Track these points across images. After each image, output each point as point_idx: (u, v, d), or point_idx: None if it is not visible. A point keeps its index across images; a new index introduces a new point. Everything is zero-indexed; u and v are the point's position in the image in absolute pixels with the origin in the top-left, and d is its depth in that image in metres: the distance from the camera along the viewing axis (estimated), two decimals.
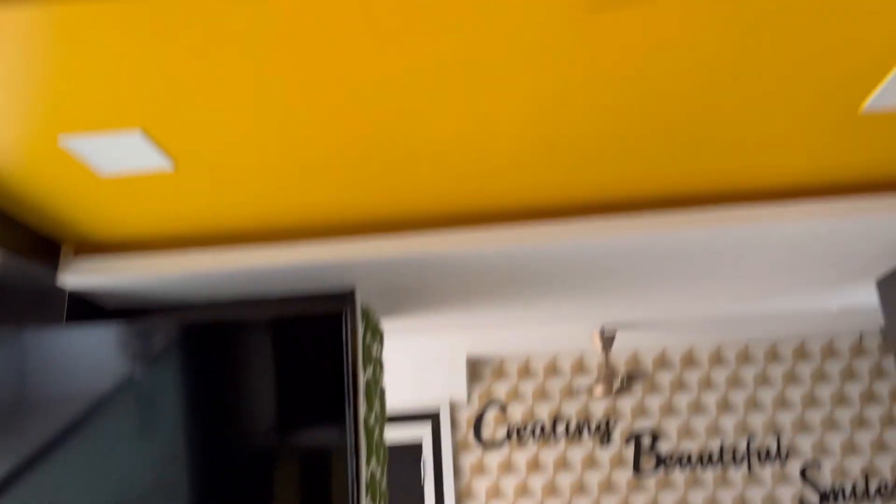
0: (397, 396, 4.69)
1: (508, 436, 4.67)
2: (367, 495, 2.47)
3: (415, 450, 4.67)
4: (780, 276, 2.89)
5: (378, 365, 2.91)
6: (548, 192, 2.26)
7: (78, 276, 2.38)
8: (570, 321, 3.87)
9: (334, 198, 2.20)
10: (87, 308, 2.56)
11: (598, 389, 3.89)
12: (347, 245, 2.41)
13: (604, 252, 2.50)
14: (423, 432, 4.68)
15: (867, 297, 3.27)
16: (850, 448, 4.47)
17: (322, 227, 2.41)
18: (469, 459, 4.66)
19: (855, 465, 4.43)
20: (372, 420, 2.68)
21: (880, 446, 4.45)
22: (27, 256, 2.25)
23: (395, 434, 4.68)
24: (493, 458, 4.65)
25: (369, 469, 2.54)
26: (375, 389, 2.82)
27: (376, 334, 2.95)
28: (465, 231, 2.41)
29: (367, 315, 2.80)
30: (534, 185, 2.21)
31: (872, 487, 4.38)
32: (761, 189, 2.32)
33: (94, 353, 2.33)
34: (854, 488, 4.39)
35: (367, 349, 2.73)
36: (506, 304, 3.15)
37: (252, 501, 2.28)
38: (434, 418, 4.70)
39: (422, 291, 2.88)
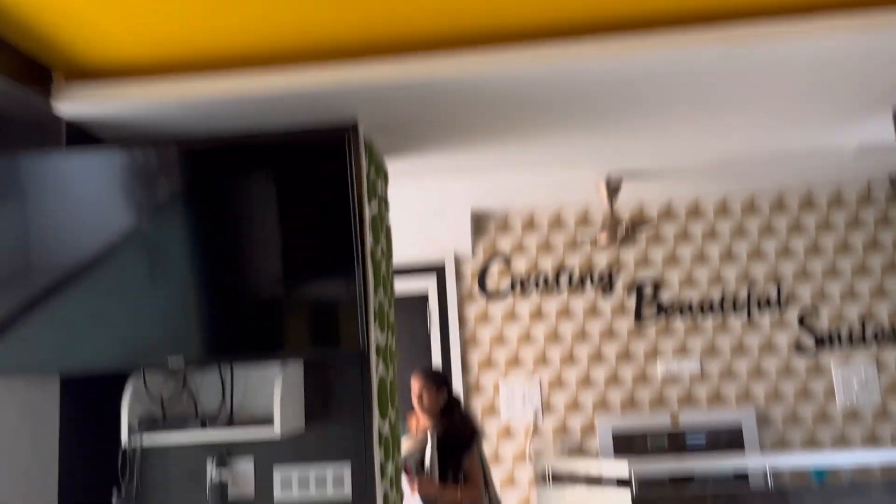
0: (403, 251, 4.71)
1: (512, 287, 4.74)
2: (375, 322, 2.51)
3: (421, 300, 4.75)
4: (795, 104, 2.81)
5: (383, 203, 2.89)
6: (557, 7, 2.15)
7: (72, 104, 2.31)
8: (574, 167, 3.82)
9: (334, 18, 2.10)
10: (85, 140, 2.50)
11: (603, 237, 3.91)
12: (348, 69, 2.33)
13: (612, 75, 2.41)
14: (428, 284, 4.74)
15: (882, 133, 3.19)
16: (849, 295, 4.53)
17: (322, 51, 2.31)
18: (474, 309, 4.75)
19: (853, 312, 4.51)
20: (378, 253, 2.69)
21: (879, 293, 4.52)
22: (19, 81, 2.18)
23: (401, 286, 4.75)
24: (497, 308, 4.73)
25: (377, 298, 2.57)
26: (381, 226, 2.81)
27: (380, 171, 2.91)
28: (468, 53, 2.32)
29: (370, 149, 2.75)
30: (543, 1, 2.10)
31: (869, 332, 4.47)
32: (781, 2, 2.21)
33: (94, 183, 2.30)
34: (850, 333, 4.49)
35: (371, 184, 2.70)
36: (509, 143, 3.09)
37: (263, 330, 2.31)
38: (439, 271, 4.75)
39: (424, 127, 2.82)
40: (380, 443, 2.42)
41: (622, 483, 3.58)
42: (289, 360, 2.44)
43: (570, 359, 4.64)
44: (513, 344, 4.69)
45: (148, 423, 2.41)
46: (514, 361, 4.67)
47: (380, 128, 2.73)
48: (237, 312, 2.29)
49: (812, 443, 4.42)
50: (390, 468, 2.52)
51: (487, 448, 4.55)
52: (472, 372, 4.68)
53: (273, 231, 2.33)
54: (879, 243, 4.56)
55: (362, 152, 2.60)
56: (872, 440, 4.39)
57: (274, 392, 2.35)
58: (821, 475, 3.37)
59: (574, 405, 4.59)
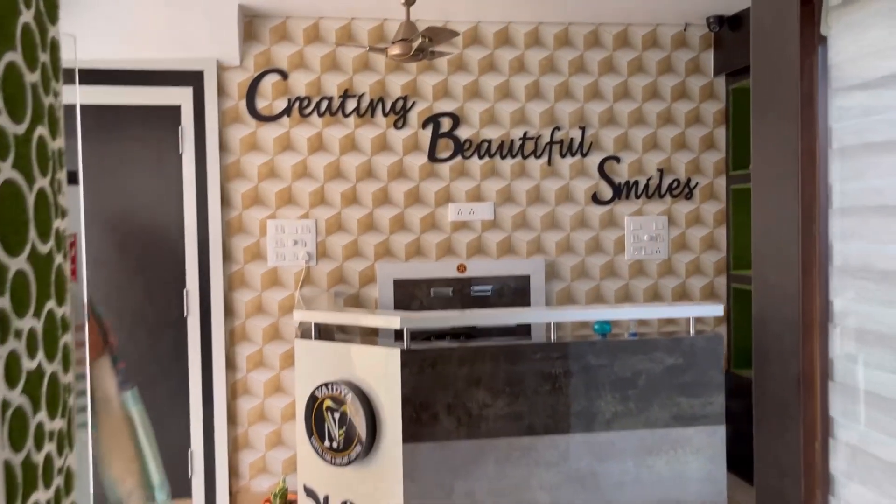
0: (146, 47, 3.73)
1: (289, 109, 3.96)
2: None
3: (171, 113, 3.84)
4: None
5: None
6: None
7: None
8: None
9: None
10: None
11: (395, 49, 3.22)
12: None
13: None
14: (182, 96, 3.82)
15: None
16: (651, 144, 4.27)
17: None
18: (240, 133, 3.93)
19: (653, 162, 4.27)
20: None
21: (681, 144, 4.30)
22: None
23: (145, 96, 3.79)
24: (269, 133, 3.96)
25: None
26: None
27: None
28: None
29: None
30: None
31: (666, 184, 4.27)
32: None
33: None
34: (647, 185, 4.26)
35: None
36: None
37: None
38: (196, 80, 3.83)
39: None
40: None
41: (399, 336, 3.14)
42: None
43: (353, 198, 4.03)
44: (286, 178, 3.98)
45: None
46: (287, 198, 3.98)
47: None
48: None
49: (598, 298, 4.26)
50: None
51: (250, 295, 3.91)
52: (235, 208, 3.93)
53: None
54: (687, 92, 4.29)
55: None
56: (655, 296, 4.30)
57: None
58: (603, 329, 3.13)
59: (354, 251, 4.04)
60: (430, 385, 2.85)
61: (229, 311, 3.94)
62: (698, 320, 3.09)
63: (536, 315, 3.05)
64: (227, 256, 3.93)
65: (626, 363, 2.97)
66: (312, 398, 3.01)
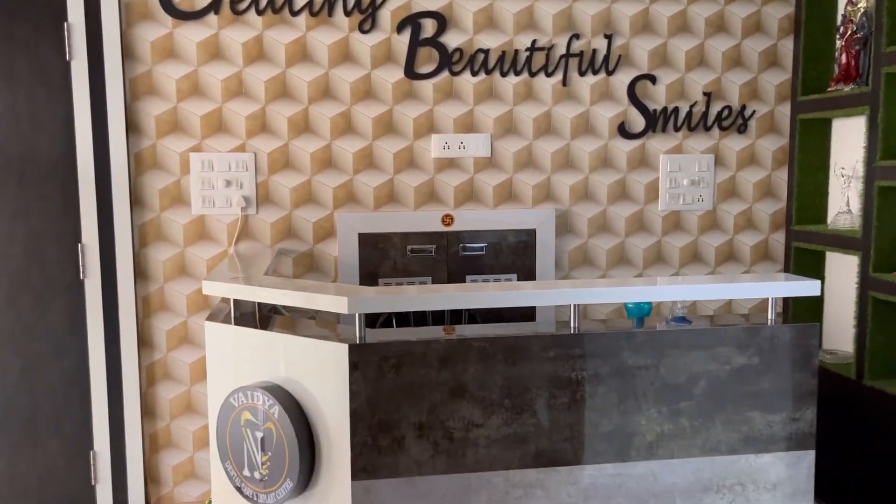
0: None
1: (217, 4, 2.94)
2: None
3: (52, 5, 2.82)
4: None
5: None
6: None
7: None
8: None
9: None
10: None
11: None
12: None
13: None
14: None
15: None
16: (697, 60, 3.28)
17: None
18: (150, 34, 2.92)
19: (698, 84, 3.28)
20: None
21: (735, 60, 3.30)
22: None
23: None
24: (191, 35, 2.95)
25: None
26: None
27: None
28: None
29: None
30: None
31: (713, 113, 3.30)
32: None
33: None
34: (690, 112, 3.28)
35: None
36: None
37: None
38: None
39: None
40: None
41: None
42: None
43: (304, 126, 3.05)
44: (215, 97, 2.99)
45: None
46: (217, 125, 3.00)
47: None
48: None
49: (622, 259, 3.32)
50: None
51: (170, 252, 2.98)
52: (147, 136, 2.96)
53: None
54: None
55: None
56: (695, 257, 3.37)
57: None
58: (640, 311, 2.22)
59: (306, 195, 3.08)
60: (393, 395, 1.94)
61: (141, 272, 3.00)
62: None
63: (559, 295, 2.08)
64: (136, 201, 2.97)
65: (677, 363, 2.05)
66: (227, 407, 2.10)
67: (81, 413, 2.99)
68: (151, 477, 3.08)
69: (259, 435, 2.02)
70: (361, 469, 1.93)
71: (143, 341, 3.03)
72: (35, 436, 2.97)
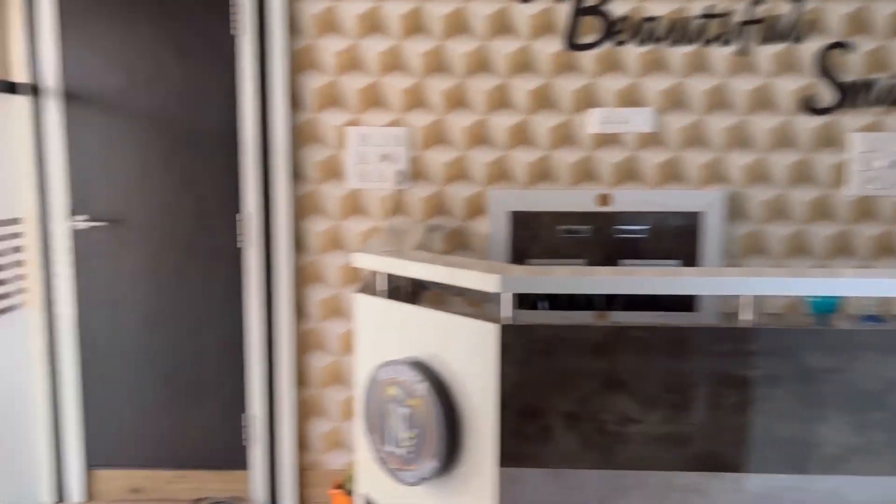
0: None
1: None
2: None
3: None
4: None
5: None
6: None
7: None
8: None
9: None
10: None
11: None
12: None
13: None
14: None
15: None
16: None
17: None
18: (312, 7, 2.96)
19: None
20: None
21: None
22: None
23: None
24: (351, 8, 2.95)
25: None
26: None
27: None
28: None
29: None
30: None
31: None
32: None
33: None
34: (893, 87, 2.89)
35: None
36: None
37: None
38: None
39: None
40: None
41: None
42: None
43: (458, 100, 2.98)
44: (372, 70, 2.98)
45: None
46: (374, 99, 2.99)
47: None
48: None
49: (800, 248, 3.00)
50: None
51: (325, 224, 3.03)
52: (307, 110, 3.00)
53: None
54: None
55: None
56: (884, 249, 2.99)
57: None
58: (826, 306, 1.97)
59: (459, 171, 3.02)
60: (543, 381, 1.83)
61: (298, 244, 3.07)
62: None
63: (736, 284, 1.86)
64: (296, 174, 3.04)
65: (871, 368, 1.79)
66: (373, 380, 2.08)
67: (238, 377, 3.12)
68: (302, 443, 3.17)
69: (404, 411, 1.99)
70: (508, 456, 1.84)
71: (298, 311, 3.10)
72: (197, 396, 3.14)
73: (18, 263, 2.99)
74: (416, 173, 3.03)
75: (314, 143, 3.02)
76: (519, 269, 1.99)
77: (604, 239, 2.98)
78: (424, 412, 1.93)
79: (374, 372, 2.07)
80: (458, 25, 2.93)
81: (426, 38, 2.95)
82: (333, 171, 3.03)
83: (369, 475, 2.21)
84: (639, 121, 2.95)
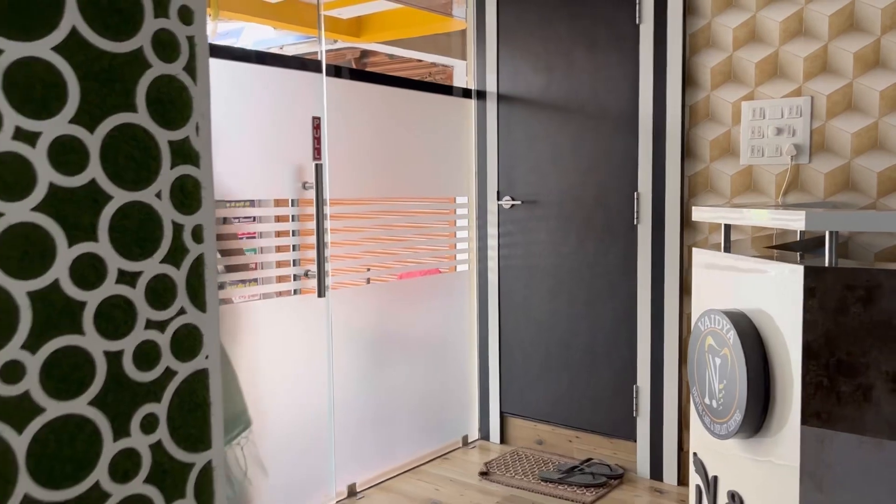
0: None
1: None
2: None
3: None
4: None
5: None
6: None
7: None
8: None
9: None
10: None
11: None
12: None
13: None
14: None
15: None
16: None
17: None
18: None
19: None
20: None
21: None
22: None
23: None
24: None
25: None
26: None
27: None
28: None
29: None
30: None
31: None
32: None
33: None
34: None
35: None
36: None
37: None
38: None
39: None
40: None
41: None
42: None
43: (874, 60, 2.64)
44: (772, 41, 2.85)
45: None
46: (773, 70, 2.86)
47: None
48: None
49: None
50: None
51: (715, 202, 3.01)
52: (702, 88, 3.03)
53: None
54: None
55: None
56: None
57: None
58: None
59: (871, 141, 2.66)
60: (860, 334, 1.59)
61: (687, 222, 3.10)
62: None
63: None
64: (688, 153, 3.08)
65: None
66: (696, 331, 2.06)
67: (628, 349, 3.27)
68: (684, 422, 3.16)
69: (718, 361, 1.93)
70: (813, 414, 1.65)
71: (685, 290, 3.12)
72: (592, 363, 3.39)
73: (461, 234, 3.70)
74: (817, 146, 2.78)
75: (708, 120, 3.02)
76: (834, 209, 1.75)
77: None
78: (732, 362, 1.85)
79: (696, 322, 2.05)
80: None
81: None
82: (726, 149, 2.98)
83: (696, 431, 2.16)
84: None
